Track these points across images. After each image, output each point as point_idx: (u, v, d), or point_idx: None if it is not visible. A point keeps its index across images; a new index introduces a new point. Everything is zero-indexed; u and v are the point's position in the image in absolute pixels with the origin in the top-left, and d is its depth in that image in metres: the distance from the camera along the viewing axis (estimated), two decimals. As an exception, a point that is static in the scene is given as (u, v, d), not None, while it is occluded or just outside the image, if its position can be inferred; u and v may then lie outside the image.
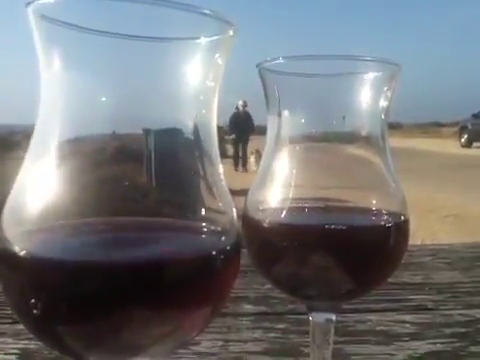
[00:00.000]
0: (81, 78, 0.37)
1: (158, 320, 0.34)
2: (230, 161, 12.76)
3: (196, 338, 0.81)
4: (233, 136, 12.94)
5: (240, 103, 12.20)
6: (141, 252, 0.36)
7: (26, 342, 0.77)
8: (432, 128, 44.06)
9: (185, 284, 0.35)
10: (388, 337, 0.84)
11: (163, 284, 0.34)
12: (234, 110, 12.44)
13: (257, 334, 0.85)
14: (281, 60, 0.52)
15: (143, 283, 0.33)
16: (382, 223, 0.54)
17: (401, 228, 0.53)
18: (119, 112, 0.37)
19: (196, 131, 0.39)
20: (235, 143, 13.14)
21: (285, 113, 0.54)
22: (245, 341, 0.82)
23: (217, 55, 0.39)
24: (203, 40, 0.38)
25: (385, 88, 0.53)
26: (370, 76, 0.53)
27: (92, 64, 0.37)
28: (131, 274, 0.33)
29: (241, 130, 12.60)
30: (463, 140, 23.20)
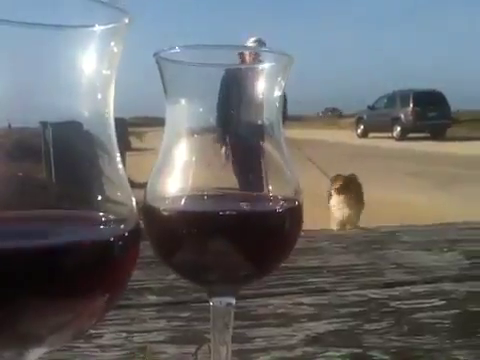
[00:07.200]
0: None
1: (53, 309, 0.34)
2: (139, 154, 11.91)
3: (98, 331, 0.80)
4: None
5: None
6: (33, 241, 0.36)
7: None
8: (331, 120, 45.56)
9: (79, 272, 0.34)
10: (288, 319, 0.87)
11: (56, 272, 0.33)
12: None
13: (161, 324, 0.85)
14: (178, 49, 0.52)
15: (35, 271, 0.32)
16: (277, 208, 0.56)
17: (295, 213, 0.55)
18: (11, 103, 0.36)
19: (92, 121, 0.39)
20: None
21: (183, 102, 0.55)
22: (149, 331, 0.82)
23: (112, 43, 0.39)
24: (98, 28, 0.37)
25: (279, 78, 0.55)
26: (265, 66, 0.55)
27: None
28: (22, 262, 0.32)
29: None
30: (359, 131, 24.34)
